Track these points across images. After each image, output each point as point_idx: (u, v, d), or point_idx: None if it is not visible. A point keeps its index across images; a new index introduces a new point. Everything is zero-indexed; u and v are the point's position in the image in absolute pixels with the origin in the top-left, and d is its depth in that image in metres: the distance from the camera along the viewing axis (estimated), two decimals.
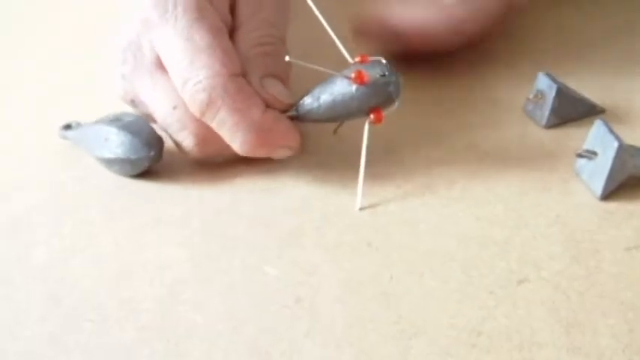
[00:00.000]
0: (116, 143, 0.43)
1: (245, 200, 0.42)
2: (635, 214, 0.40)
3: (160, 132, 0.44)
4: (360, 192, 0.41)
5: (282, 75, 0.43)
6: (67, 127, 0.47)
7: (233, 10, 0.45)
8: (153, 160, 0.43)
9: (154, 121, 0.44)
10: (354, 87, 0.40)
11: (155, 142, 0.43)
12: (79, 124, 0.47)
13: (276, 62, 0.43)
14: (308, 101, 0.42)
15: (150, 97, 0.43)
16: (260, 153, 0.42)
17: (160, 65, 0.43)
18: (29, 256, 0.39)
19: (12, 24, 0.65)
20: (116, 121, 0.44)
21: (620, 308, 0.35)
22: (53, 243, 0.40)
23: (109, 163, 0.43)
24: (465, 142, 0.46)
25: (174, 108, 0.42)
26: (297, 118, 0.42)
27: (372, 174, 0.43)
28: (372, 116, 0.41)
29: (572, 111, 0.47)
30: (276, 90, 0.42)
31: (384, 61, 0.41)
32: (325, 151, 0.44)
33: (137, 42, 0.43)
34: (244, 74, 0.42)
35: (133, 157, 0.42)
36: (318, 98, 0.41)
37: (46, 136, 0.48)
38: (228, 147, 0.42)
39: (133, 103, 0.45)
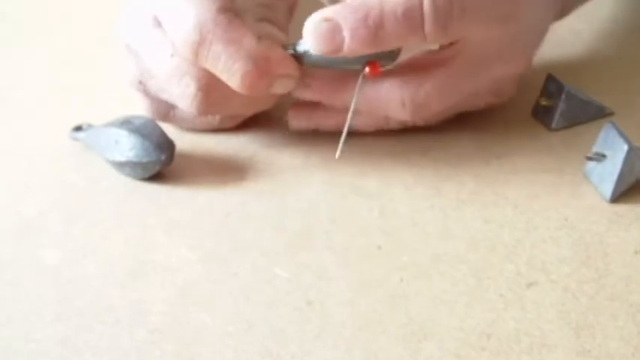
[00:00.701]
0: (127, 146, 0.43)
1: (254, 202, 0.42)
2: None
3: (170, 135, 0.44)
4: (342, 142, 0.41)
5: (278, 23, 0.43)
6: (78, 128, 0.47)
7: None
8: (164, 163, 0.43)
9: (164, 117, 0.45)
10: None
11: (166, 145, 0.43)
12: (90, 126, 0.47)
13: (272, 12, 0.44)
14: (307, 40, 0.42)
15: (148, 54, 0.43)
16: (261, 86, 0.41)
17: (158, 23, 0.43)
18: (41, 257, 0.39)
19: (23, 25, 0.66)
20: (127, 123, 0.44)
21: (630, 311, 0.35)
22: (65, 245, 0.40)
23: (120, 166, 0.44)
24: (473, 145, 0.46)
25: (172, 56, 0.42)
26: (294, 58, 0.42)
27: (380, 176, 0.43)
28: (367, 69, 0.41)
29: (580, 114, 0.47)
30: (270, 30, 0.43)
31: None
32: (333, 154, 0.44)
33: (139, 5, 0.44)
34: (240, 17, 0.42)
35: (144, 160, 0.43)
36: None
37: (57, 138, 0.48)
38: (230, 94, 0.42)
39: (140, 84, 0.45)
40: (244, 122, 0.48)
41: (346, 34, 0.39)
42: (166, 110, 0.46)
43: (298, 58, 0.42)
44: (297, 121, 0.46)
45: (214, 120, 0.46)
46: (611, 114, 0.48)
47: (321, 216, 0.41)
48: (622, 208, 0.41)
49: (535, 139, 0.46)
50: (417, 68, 0.43)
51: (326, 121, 0.45)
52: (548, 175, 0.43)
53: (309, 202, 0.42)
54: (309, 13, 0.41)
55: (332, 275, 0.37)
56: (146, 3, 0.44)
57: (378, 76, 0.41)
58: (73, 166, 0.46)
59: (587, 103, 0.48)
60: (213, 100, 0.43)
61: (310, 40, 0.40)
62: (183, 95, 0.43)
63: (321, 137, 0.45)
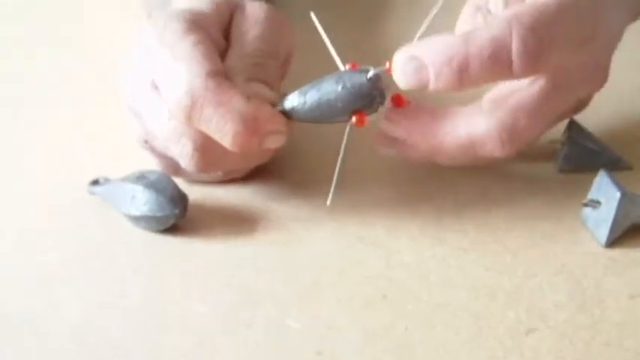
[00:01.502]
0: (142, 201, 0.45)
1: (265, 254, 0.44)
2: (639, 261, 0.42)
3: (183, 188, 0.46)
4: (332, 190, 0.43)
5: (269, 81, 0.45)
6: (95, 182, 0.49)
7: (227, 34, 0.48)
8: (178, 217, 0.45)
9: (174, 172, 0.47)
10: (339, 86, 0.42)
11: (179, 199, 0.45)
12: (106, 180, 0.49)
13: (263, 71, 0.46)
14: (294, 96, 0.44)
15: (148, 117, 0.46)
16: (252, 143, 0.43)
17: (155, 87, 0.45)
18: (62, 310, 0.41)
19: (42, 79, 0.68)
20: (142, 178, 0.46)
21: (625, 356, 0.37)
22: (85, 297, 0.42)
23: (136, 220, 0.46)
24: (475, 191, 0.48)
25: (169, 118, 0.44)
26: (283, 113, 0.44)
27: (385, 226, 0.45)
28: (354, 119, 0.43)
29: (588, 162, 0.49)
30: (259, 88, 0.45)
31: (372, 69, 0.43)
32: (340, 206, 0.46)
33: (139, 70, 0.47)
34: (230, 79, 0.44)
35: (158, 214, 0.45)
36: (305, 94, 0.44)
37: (75, 191, 0.50)
38: (225, 153, 0.44)
39: (145, 143, 0.48)
40: (253, 172, 0.50)
41: (432, 75, 0.41)
42: (175, 166, 0.48)
43: (287, 113, 0.44)
44: (382, 146, 0.46)
45: (217, 174, 0.49)
46: (628, 168, 0.49)
47: (329, 267, 0.43)
48: (617, 252, 0.43)
49: (536, 183, 0.48)
50: (504, 102, 0.44)
51: (410, 153, 0.46)
52: (546, 221, 0.45)
53: (317, 254, 0.44)
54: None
55: (341, 325, 0.39)
56: (144, 66, 0.46)
57: (363, 125, 0.43)
58: (92, 219, 0.48)
59: (597, 153, 0.49)
60: (210, 158, 0.45)
61: (398, 75, 0.42)
62: (182, 155, 0.45)
63: (327, 187, 0.47)
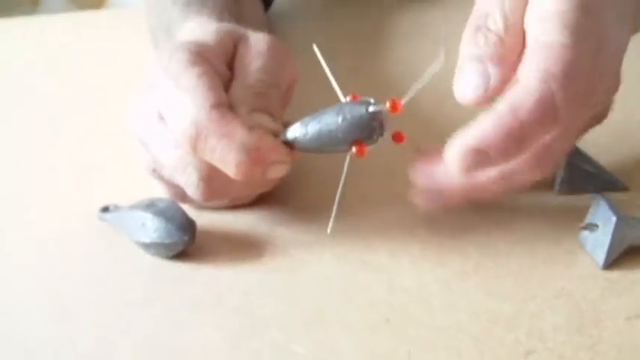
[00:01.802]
0: (152, 229, 0.46)
1: (271, 280, 0.46)
2: (636, 283, 0.43)
3: (191, 215, 0.48)
4: (332, 218, 0.44)
5: (272, 111, 0.47)
6: (105, 209, 0.51)
7: (231, 65, 0.49)
8: (187, 243, 0.46)
9: (182, 199, 0.49)
10: (340, 118, 0.44)
11: (188, 226, 0.47)
12: (116, 207, 0.51)
13: (266, 101, 0.47)
14: (296, 127, 0.45)
15: (155, 147, 0.47)
16: (256, 173, 0.44)
17: (162, 117, 0.47)
18: (73, 336, 0.42)
19: (51, 105, 0.69)
20: (151, 206, 0.48)
21: None
22: (98, 326, 0.43)
23: (146, 246, 0.47)
24: (475, 214, 0.49)
25: (175, 148, 0.46)
26: (285, 144, 0.45)
27: (388, 250, 0.46)
28: (354, 149, 0.44)
29: (586, 184, 0.50)
30: (263, 120, 0.46)
31: (372, 101, 0.44)
32: (343, 231, 0.47)
33: (145, 101, 0.48)
34: (233, 110, 0.46)
35: (168, 241, 0.46)
36: (306, 125, 0.45)
37: (86, 218, 0.51)
38: (230, 182, 0.45)
39: (154, 171, 0.49)
40: (258, 199, 0.51)
41: (494, 156, 0.41)
42: (182, 193, 0.49)
43: (289, 144, 0.45)
44: (425, 203, 0.47)
45: (220, 203, 0.50)
46: (624, 189, 0.50)
47: (333, 292, 0.44)
48: (615, 274, 0.44)
49: (535, 206, 0.50)
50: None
51: (452, 200, 0.46)
52: (545, 243, 0.46)
53: (322, 279, 0.45)
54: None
55: (345, 350, 0.40)
56: (151, 97, 0.48)
57: (363, 156, 0.44)
58: (102, 246, 0.49)
59: (595, 176, 0.50)
60: (215, 187, 0.46)
61: (457, 170, 0.42)
62: (187, 184, 0.46)
63: (330, 213, 0.48)
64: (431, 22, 0.77)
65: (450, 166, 0.42)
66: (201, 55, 0.47)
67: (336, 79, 0.45)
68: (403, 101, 0.43)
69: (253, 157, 0.44)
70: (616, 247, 0.44)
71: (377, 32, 0.76)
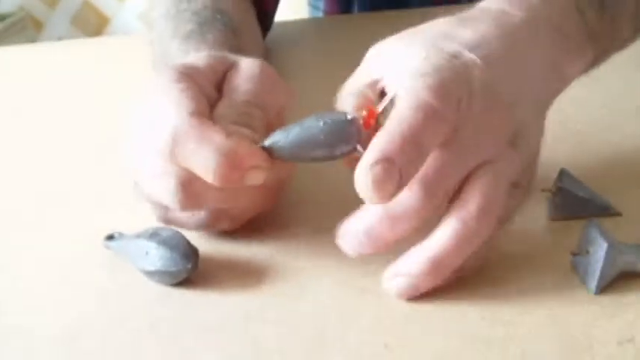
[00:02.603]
0: (156, 257, 0.48)
1: (271, 306, 0.47)
2: (628, 307, 0.44)
3: (194, 243, 0.49)
4: None
5: (254, 128, 0.48)
6: (110, 237, 0.52)
7: (219, 88, 0.51)
8: (190, 271, 0.48)
9: (165, 216, 0.50)
10: (321, 122, 0.44)
11: (191, 254, 0.48)
12: (121, 235, 0.52)
13: (249, 119, 0.48)
14: (276, 133, 0.46)
15: (137, 157, 0.49)
16: (234, 177, 0.45)
17: (147, 128, 0.48)
18: None
19: (54, 133, 0.71)
20: (155, 235, 0.49)
21: None
22: (103, 351, 0.44)
23: (151, 274, 0.48)
24: None
25: (154, 156, 0.47)
26: (266, 150, 0.46)
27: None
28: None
29: (578, 209, 0.51)
30: (240, 130, 0.47)
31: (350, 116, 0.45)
32: (343, 258, 0.48)
33: (136, 118, 0.49)
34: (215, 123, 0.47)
35: (171, 269, 0.48)
36: (287, 130, 0.45)
37: (91, 246, 0.53)
38: (208, 189, 0.46)
39: (136, 185, 0.50)
40: (258, 224, 0.53)
41: (398, 162, 0.42)
42: (164, 212, 0.50)
43: (269, 150, 0.46)
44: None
45: (202, 219, 0.51)
46: (617, 214, 0.52)
47: (332, 317, 0.45)
48: (605, 299, 0.45)
49: (528, 231, 0.51)
50: None
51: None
52: (538, 268, 0.48)
53: (321, 305, 0.46)
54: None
55: None
56: (141, 114, 0.49)
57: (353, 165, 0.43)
58: (108, 274, 0.51)
59: (587, 201, 0.51)
60: (193, 195, 0.47)
61: (370, 191, 0.42)
62: (166, 191, 0.47)
63: (330, 238, 0.49)
64: None
65: (362, 191, 0.42)
66: (188, 75, 0.49)
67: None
68: (380, 108, 0.45)
69: (231, 160, 0.44)
70: (608, 274, 0.45)
71: None
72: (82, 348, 0.45)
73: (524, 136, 0.46)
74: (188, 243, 0.49)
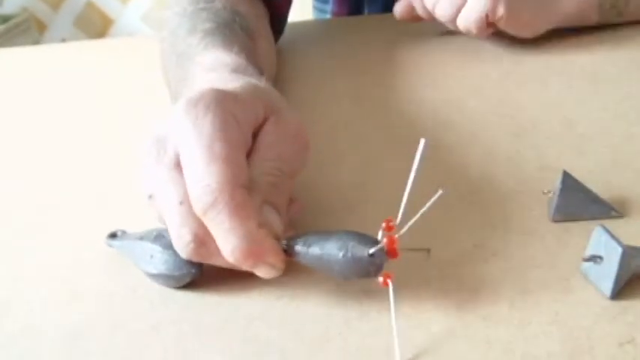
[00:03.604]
0: (161, 261, 0.48)
1: (274, 307, 0.47)
2: (629, 310, 0.44)
3: None
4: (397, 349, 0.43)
5: (280, 207, 0.48)
6: (113, 235, 0.53)
7: (256, 135, 0.49)
8: (194, 276, 0.48)
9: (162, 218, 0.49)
10: (341, 253, 0.44)
11: None
12: (124, 233, 0.52)
13: (278, 193, 0.48)
14: (299, 245, 0.46)
15: (162, 190, 0.47)
16: (247, 263, 0.45)
17: (178, 164, 0.47)
18: None
19: (59, 128, 0.71)
20: (160, 238, 0.49)
21: None
22: (106, 352, 0.45)
23: (155, 277, 0.49)
24: (471, 242, 0.51)
25: (181, 203, 0.46)
26: (285, 251, 0.46)
27: None
28: (380, 279, 0.44)
29: (582, 211, 0.51)
30: (271, 217, 0.47)
31: (380, 245, 0.44)
32: None
33: (164, 140, 0.48)
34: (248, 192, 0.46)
35: (176, 273, 0.48)
36: (309, 247, 0.46)
37: (94, 245, 0.53)
38: (217, 254, 0.46)
39: (150, 197, 0.49)
40: None
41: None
42: None
43: (288, 252, 0.46)
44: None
45: None
46: (619, 216, 0.52)
47: (334, 319, 0.46)
48: (608, 301, 0.45)
49: (530, 233, 0.51)
50: None
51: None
52: (540, 270, 0.48)
53: (324, 307, 0.47)
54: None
55: None
56: (171, 132, 0.48)
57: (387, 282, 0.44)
58: (111, 274, 0.51)
59: (589, 203, 0.51)
60: (201, 253, 0.46)
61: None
62: (178, 239, 0.46)
63: None
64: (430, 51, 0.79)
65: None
66: (234, 118, 0.47)
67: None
68: (400, 232, 0.44)
69: (252, 250, 0.44)
70: (622, 277, 0.45)
71: (381, 60, 0.78)
72: (84, 349, 0.45)
73: None
74: None
